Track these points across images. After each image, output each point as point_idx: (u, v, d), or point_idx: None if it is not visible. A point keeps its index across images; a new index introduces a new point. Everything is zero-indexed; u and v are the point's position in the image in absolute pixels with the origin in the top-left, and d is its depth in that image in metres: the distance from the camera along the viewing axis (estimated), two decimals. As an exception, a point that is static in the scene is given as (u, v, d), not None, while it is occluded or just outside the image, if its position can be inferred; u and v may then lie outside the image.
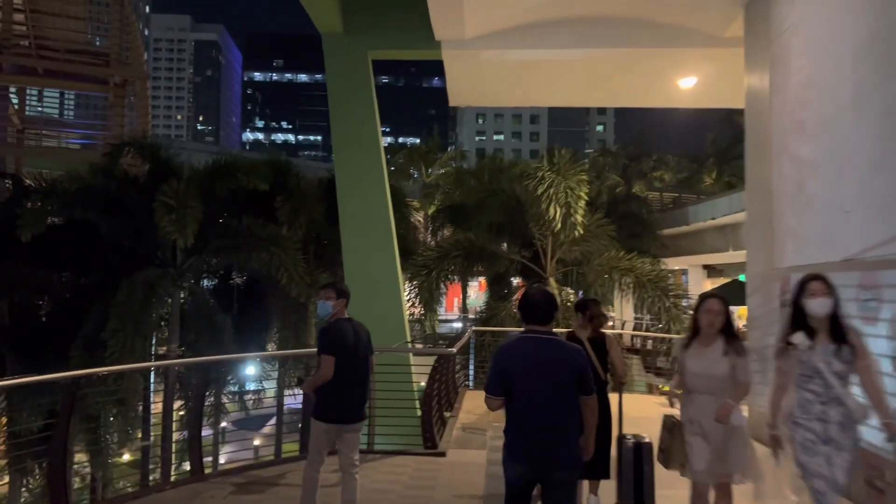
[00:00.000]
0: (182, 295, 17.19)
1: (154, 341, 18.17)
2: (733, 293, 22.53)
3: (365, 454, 7.80)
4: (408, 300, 16.46)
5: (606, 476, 5.61)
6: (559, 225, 14.64)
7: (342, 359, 5.00)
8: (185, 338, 17.01)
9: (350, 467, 5.14)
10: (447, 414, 10.53)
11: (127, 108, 27.53)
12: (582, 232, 15.44)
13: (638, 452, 5.22)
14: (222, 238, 15.85)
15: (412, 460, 7.73)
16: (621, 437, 5.36)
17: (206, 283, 20.06)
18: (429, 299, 15.72)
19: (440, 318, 42.91)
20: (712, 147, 52.24)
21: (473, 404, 11.51)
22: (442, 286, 16.51)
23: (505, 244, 18.29)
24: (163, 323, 17.41)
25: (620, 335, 20.87)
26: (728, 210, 23.58)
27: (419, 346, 27.16)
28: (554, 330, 3.81)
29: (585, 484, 5.76)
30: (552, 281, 16.27)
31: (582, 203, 14.95)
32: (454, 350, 8.60)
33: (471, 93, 13.64)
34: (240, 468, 7.21)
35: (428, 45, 11.84)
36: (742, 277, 33.60)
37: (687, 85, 12.89)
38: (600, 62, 12.02)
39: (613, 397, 5.87)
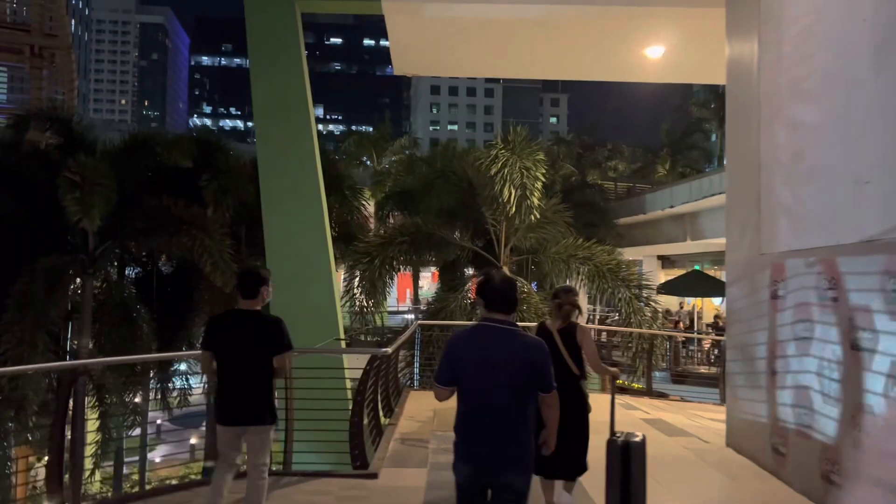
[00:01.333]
0: (96, 284, 15.42)
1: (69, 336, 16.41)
2: (689, 285, 21.69)
3: (279, 476, 6.43)
4: (348, 290, 15.01)
5: (579, 473, 5.29)
6: (514, 208, 13.37)
7: (222, 355, 4.61)
8: (100, 333, 15.27)
9: (252, 470, 4.72)
10: (385, 421, 9.18)
11: (52, 82, 25.75)
12: (538, 216, 14.23)
13: (626, 453, 4.70)
14: (139, 220, 14.12)
15: (336, 484, 6.36)
16: (611, 437, 4.83)
17: (128, 271, 18.30)
18: (372, 290, 14.29)
19: (391, 309, 41.64)
20: (666, 137, 52.15)
21: (417, 408, 10.19)
22: (387, 275, 15.09)
23: (457, 232, 16.93)
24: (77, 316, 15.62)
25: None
26: (688, 198, 22.71)
27: (369, 338, 25.85)
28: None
29: (558, 484, 5.40)
30: (506, 270, 15.01)
31: (539, 185, 13.72)
32: (389, 350, 7.20)
33: (417, 59, 12.21)
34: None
35: (366, -4, 10.41)
36: (697, 268, 33.07)
37: (654, 55, 11.72)
38: (558, 24, 10.73)
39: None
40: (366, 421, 7.48)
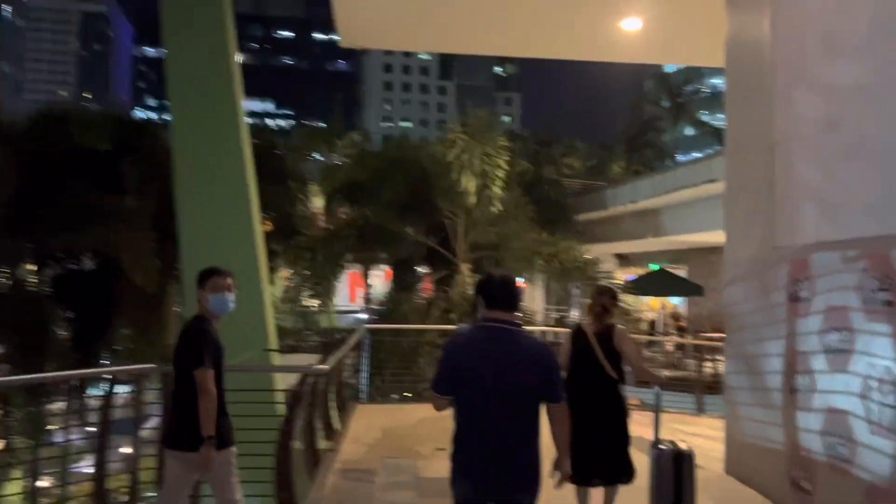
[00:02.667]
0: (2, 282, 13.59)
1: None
2: (657, 284, 20.71)
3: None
4: (290, 290, 13.46)
5: (626, 480, 5.04)
6: (474, 199, 12.06)
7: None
8: (7, 338, 13.43)
9: None
10: (325, 446, 7.76)
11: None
12: (500, 208, 12.96)
13: (678, 463, 4.76)
14: (46, 210, 12.35)
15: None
16: (656, 445, 4.86)
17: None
18: (315, 288, 12.78)
19: (341, 308, 39.95)
20: (621, 134, 51.69)
21: (365, 426, 8.79)
22: (333, 272, 13.59)
23: (410, 227, 15.52)
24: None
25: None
26: (651, 193, 21.74)
27: (314, 341, 24.23)
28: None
29: (595, 494, 5.11)
30: (464, 268, 13.71)
31: (501, 174, 12.44)
32: (326, 367, 5.74)
33: (365, 29, 10.74)
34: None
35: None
36: (655, 266, 32.28)
37: (631, 28, 10.52)
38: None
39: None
40: (297, 447, 6.06)
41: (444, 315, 12.86)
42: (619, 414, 5.09)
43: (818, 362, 5.28)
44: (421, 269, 17.02)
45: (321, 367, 5.60)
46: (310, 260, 12.46)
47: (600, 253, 31.98)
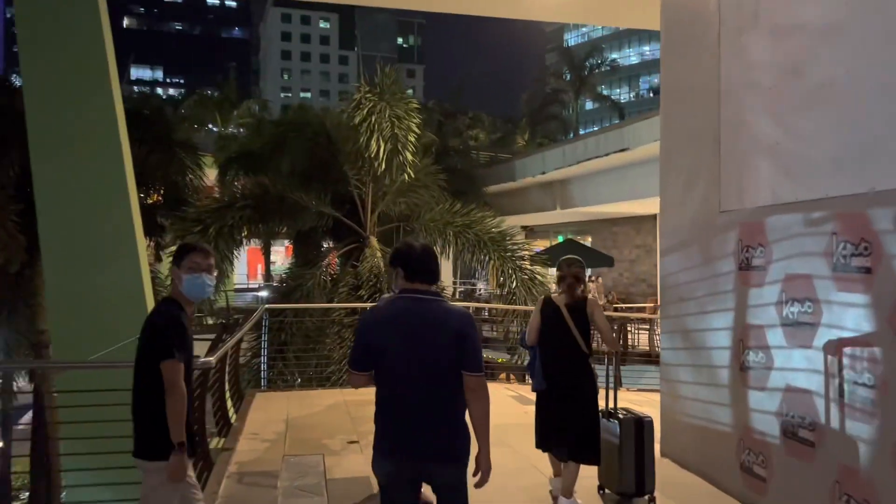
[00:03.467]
0: None
1: None
2: (563, 255, 20.46)
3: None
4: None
5: (597, 461, 4.93)
6: (383, 165, 11.13)
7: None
8: None
9: None
10: (219, 444, 6.78)
11: None
12: (412, 176, 12.08)
13: (639, 430, 5.01)
14: None
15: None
16: (612, 413, 5.10)
17: None
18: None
19: (240, 286, 38.07)
20: (526, 107, 51.96)
21: (265, 418, 7.83)
22: (228, 247, 12.34)
23: (314, 197, 14.35)
24: None
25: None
26: (561, 163, 21.41)
27: (209, 321, 22.64)
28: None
29: (549, 471, 5.24)
30: (373, 241, 12.79)
31: (412, 138, 11.55)
32: (211, 360, 4.71)
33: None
34: None
35: None
36: (561, 238, 32.37)
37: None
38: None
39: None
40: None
41: (353, 292, 11.93)
42: (591, 391, 4.91)
43: (774, 337, 4.77)
44: (326, 244, 15.95)
45: (206, 359, 4.60)
46: (198, 233, 11.18)
47: (507, 225, 31.85)
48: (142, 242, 8.92)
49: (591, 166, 20.41)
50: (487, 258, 12.84)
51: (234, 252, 12.97)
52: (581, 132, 47.37)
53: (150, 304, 8.71)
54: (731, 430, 5.32)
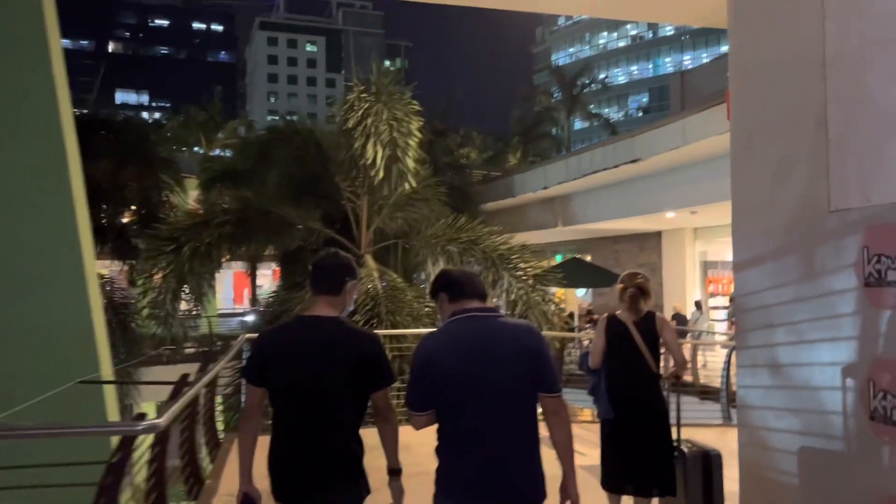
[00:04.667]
0: None
1: None
2: (574, 275, 19.20)
3: None
4: (146, 291, 10.66)
5: (671, 493, 4.45)
6: (381, 173, 9.86)
7: None
8: None
9: None
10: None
11: None
12: (413, 185, 10.82)
13: (707, 463, 4.55)
14: None
15: None
16: (676, 446, 4.63)
17: None
18: (179, 289, 10.15)
19: (226, 311, 36.53)
20: (517, 125, 51.36)
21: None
22: (206, 268, 10.98)
23: (303, 213, 13.06)
24: None
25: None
26: (565, 177, 20.22)
27: (189, 350, 21.15)
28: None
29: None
30: (369, 260, 11.47)
31: (414, 143, 10.30)
32: (161, 423, 3.28)
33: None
34: None
35: None
36: (559, 257, 31.17)
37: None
38: None
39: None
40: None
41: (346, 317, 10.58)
42: (664, 416, 4.60)
43: (933, 375, 3.51)
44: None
45: (154, 421, 3.24)
46: (171, 252, 9.82)
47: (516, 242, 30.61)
48: (90, 263, 7.48)
49: (595, 180, 19.26)
50: (496, 278, 11.58)
51: (213, 274, 11.62)
52: (573, 150, 46.66)
53: (101, 337, 7.21)
54: (859, 499, 4.04)
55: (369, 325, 9.90)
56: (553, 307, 11.52)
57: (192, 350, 19.89)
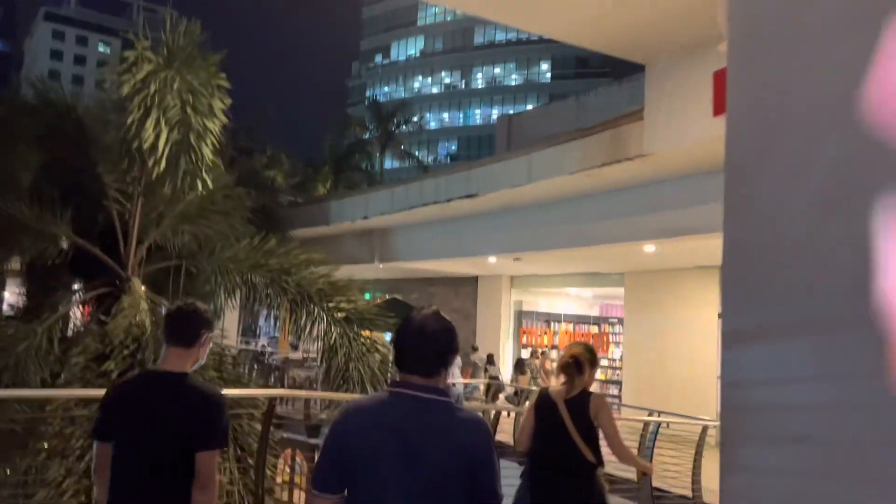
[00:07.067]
0: None
1: None
2: (392, 314, 17.05)
3: None
4: None
5: None
6: (163, 164, 6.88)
7: None
8: None
9: None
10: None
11: None
12: (211, 187, 7.97)
13: None
14: None
15: None
16: None
17: None
18: None
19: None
20: (330, 153, 49.03)
21: None
22: None
23: (44, 213, 9.41)
24: None
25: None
26: (389, 208, 18.08)
27: None
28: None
29: None
30: (136, 284, 8.33)
31: (216, 127, 7.47)
32: None
33: None
34: None
35: None
36: (368, 296, 28.93)
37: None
38: None
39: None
40: None
41: (95, 362, 7.43)
42: None
43: None
44: (79, 284, 10.84)
45: None
46: None
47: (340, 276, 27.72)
48: None
49: (420, 214, 17.36)
50: (312, 319, 9.04)
51: None
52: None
53: None
54: None
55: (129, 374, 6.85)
56: (378, 357, 9.18)
57: None
